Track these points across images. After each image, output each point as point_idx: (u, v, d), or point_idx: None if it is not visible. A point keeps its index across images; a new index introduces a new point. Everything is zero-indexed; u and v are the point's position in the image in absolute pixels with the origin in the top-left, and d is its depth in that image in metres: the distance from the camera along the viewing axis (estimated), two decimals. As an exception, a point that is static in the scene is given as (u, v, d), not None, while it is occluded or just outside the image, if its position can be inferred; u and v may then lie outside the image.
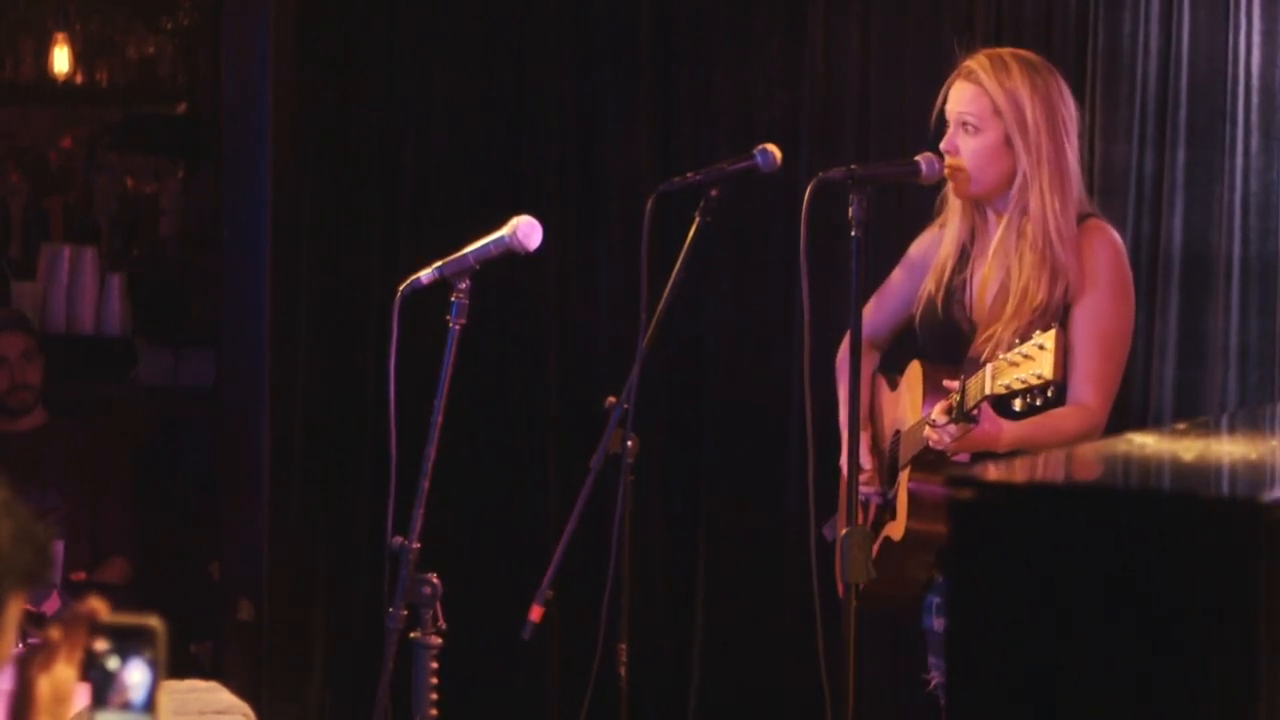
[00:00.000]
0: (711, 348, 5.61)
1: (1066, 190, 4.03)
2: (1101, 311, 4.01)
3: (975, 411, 3.75)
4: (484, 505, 5.77)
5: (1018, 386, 3.61)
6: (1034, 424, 3.87)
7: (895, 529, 4.06)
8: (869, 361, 4.30)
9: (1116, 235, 4.10)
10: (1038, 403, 3.62)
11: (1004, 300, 4.03)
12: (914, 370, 4.14)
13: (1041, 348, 3.59)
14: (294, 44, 5.80)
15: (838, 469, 4.16)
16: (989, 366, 3.69)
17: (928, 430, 3.85)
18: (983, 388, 3.68)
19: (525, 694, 5.78)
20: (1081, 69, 4.95)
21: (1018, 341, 3.67)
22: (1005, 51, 4.14)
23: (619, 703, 4.25)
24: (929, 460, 3.95)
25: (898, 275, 4.33)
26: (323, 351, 5.82)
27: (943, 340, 4.13)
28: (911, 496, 4.02)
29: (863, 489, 4.07)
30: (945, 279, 4.14)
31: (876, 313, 4.32)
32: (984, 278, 4.11)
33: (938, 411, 3.84)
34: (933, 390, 3.99)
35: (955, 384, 3.82)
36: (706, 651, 5.60)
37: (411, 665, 3.78)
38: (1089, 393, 3.98)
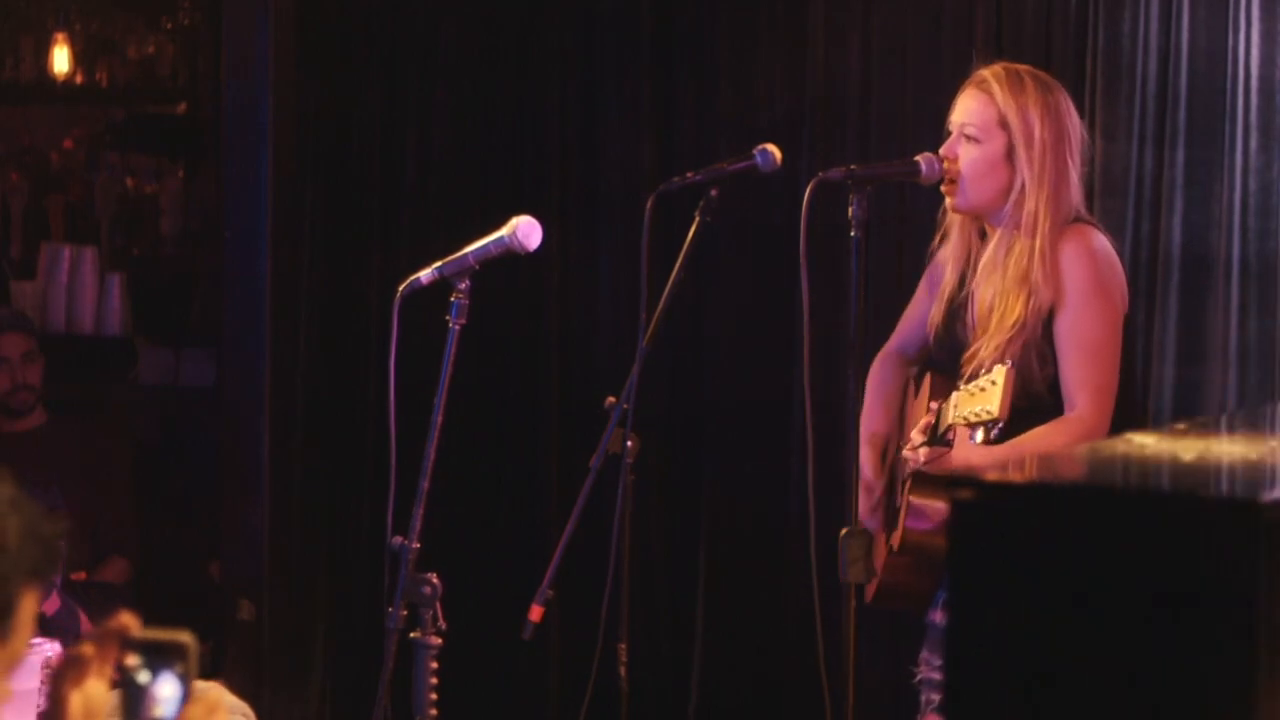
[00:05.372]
0: (711, 348, 5.61)
1: (1060, 210, 4.01)
2: (1079, 317, 3.99)
3: (950, 435, 3.76)
4: (484, 505, 5.77)
5: (973, 419, 3.62)
6: (1018, 444, 3.86)
7: (896, 537, 4.07)
8: (904, 373, 4.32)
9: (1098, 237, 4.06)
10: (993, 435, 3.63)
11: (988, 316, 4.03)
12: (925, 383, 4.16)
13: (994, 383, 3.60)
14: (294, 44, 5.81)
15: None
16: (954, 395, 3.71)
17: (905, 450, 3.88)
18: (948, 415, 3.71)
19: (525, 694, 5.78)
20: (1081, 69, 4.95)
21: (994, 366, 3.68)
22: (1022, 67, 4.12)
23: (619, 703, 4.25)
24: (927, 475, 3.96)
25: (921, 289, 4.33)
26: (323, 351, 5.83)
27: (950, 356, 4.14)
28: (910, 508, 4.03)
29: (867, 515, 4.07)
30: (948, 297, 4.14)
31: (904, 327, 4.34)
32: (980, 293, 4.11)
33: (916, 431, 3.87)
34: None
35: (936, 405, 3.84)
36: (706, 651, 5.60)
37: (411, 665, 3.78)
38: (1080, 398, 3.96)
